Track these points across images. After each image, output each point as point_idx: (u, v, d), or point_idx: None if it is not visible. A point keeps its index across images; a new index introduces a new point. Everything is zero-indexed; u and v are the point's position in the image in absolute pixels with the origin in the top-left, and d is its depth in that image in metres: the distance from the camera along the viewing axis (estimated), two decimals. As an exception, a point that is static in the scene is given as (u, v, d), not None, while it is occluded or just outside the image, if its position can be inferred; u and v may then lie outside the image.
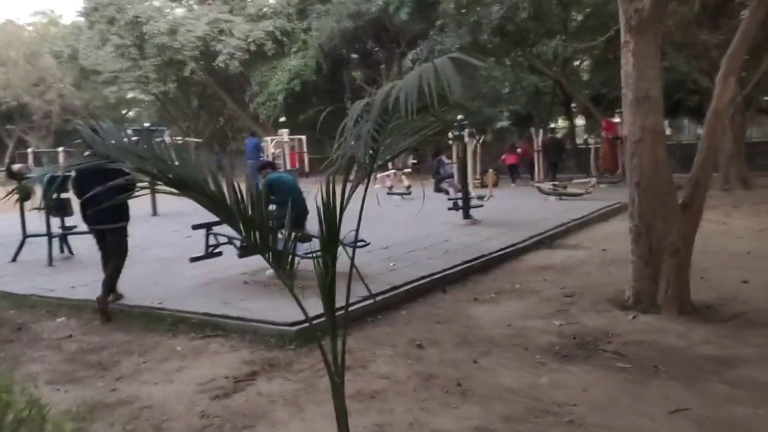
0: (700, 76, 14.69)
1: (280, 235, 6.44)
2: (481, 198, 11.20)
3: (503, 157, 19.73)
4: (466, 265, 7.27)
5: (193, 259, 7.00)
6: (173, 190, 2.52)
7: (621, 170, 17.49)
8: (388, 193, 16.49)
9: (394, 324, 5.33)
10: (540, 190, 14.21)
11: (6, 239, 10.85)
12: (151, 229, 11.91)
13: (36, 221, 9.07)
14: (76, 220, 9.24)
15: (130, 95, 35.86)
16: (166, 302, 5.93)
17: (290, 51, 26.74)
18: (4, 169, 9.78)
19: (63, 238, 8.89)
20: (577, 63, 27.33)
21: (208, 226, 7.03)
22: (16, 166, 8.62)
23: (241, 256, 6.75)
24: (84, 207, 5.74)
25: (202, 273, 7.14)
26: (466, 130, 10.26)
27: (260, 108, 27.04)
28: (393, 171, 17.07)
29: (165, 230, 11.78)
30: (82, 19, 29.76)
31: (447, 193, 11.10)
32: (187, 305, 5.79)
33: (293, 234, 2.94)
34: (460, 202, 10.58)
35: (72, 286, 6.93)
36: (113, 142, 2.53)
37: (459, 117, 10.49)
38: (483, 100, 26.78)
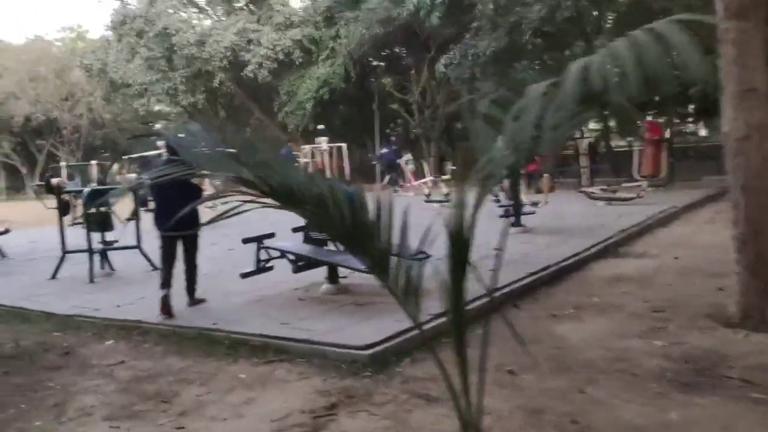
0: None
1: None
2: (535, 204, 10.64)
3: None
4: (533, 277, 6.76)
5: (244, 275, 6.58)
6: (273, 203, 2.09)
7: (666, 173, 16.83)
8: (426, 201, 16.02)
9: (473, 345, 4.82)
10: (588, 195, 13.61)
11: (43, 254, 10.60)
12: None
13: (74, 236, 8.78)
14: (116, 234, 8.97)
15: (157, 107, 35.95)
16: (220, 323, 5.52)
17: (318, 59, 26.46)
18: (42, 182, 9.53)
19: (103, 254, 8.57)
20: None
21: (259, 240, 6.62)
22: (54, 180, 8.33)
23: (296, 270, 6.33)
24: (159, 213, 6.04)
25: (252, 289, 6.73)
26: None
27: (289, 117, 26.80)
28: (431, 177, 16.59)
29: (204, 243, 11.40)
30: (110, 33, 29.96)
31: (497, 200, 10.59)
32: (244, 326, 5.37)
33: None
34: (511, 209, 10.05)
35: (117, 305, 6.56)
36: (203, 146, 2.09)
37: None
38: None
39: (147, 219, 14.56)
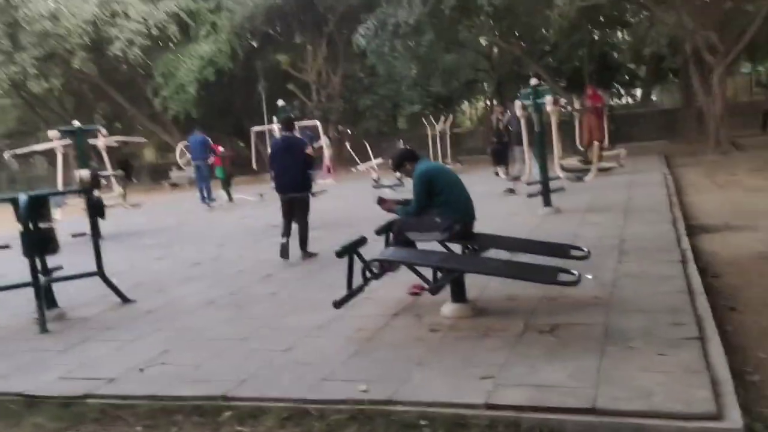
0: (706, 31, 13.99)
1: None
2: (579, 178, 9.27)
3: None
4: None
5: (339, 304, 4.44)
6: None
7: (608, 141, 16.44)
8: (374, 186, 14.26)
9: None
10: (563, 167, 12.60)
11: None
12: (126, 254, 8.71)
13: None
14: (60, 259, 6.17)
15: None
16: (371, 389, 3.45)
17: (198, 35, 23.28)
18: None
19: (47, 289, 5.80)
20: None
21: (352, 249, 4.53)
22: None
23: (436, 290, 4.32)
24: (277, 179, 7.22)
25: (324, 319, 4.67)
26: (548, 96, 8.32)
27: (168, 102, 23.38)
28: (379, 160, 14.83)
29: (145, 256, 8.66)
30: None
31: (504, 172, 9.08)
32: (430, 391, 3.37)
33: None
34: (540, 186, 8.66)
35: (140, 368, 4.13)
36: None
37: (533, 81, 8.54)
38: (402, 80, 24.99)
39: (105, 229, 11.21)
